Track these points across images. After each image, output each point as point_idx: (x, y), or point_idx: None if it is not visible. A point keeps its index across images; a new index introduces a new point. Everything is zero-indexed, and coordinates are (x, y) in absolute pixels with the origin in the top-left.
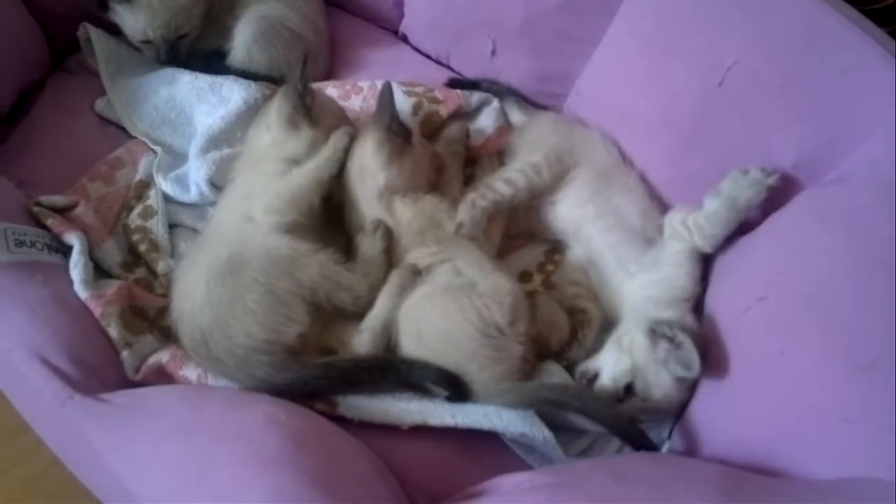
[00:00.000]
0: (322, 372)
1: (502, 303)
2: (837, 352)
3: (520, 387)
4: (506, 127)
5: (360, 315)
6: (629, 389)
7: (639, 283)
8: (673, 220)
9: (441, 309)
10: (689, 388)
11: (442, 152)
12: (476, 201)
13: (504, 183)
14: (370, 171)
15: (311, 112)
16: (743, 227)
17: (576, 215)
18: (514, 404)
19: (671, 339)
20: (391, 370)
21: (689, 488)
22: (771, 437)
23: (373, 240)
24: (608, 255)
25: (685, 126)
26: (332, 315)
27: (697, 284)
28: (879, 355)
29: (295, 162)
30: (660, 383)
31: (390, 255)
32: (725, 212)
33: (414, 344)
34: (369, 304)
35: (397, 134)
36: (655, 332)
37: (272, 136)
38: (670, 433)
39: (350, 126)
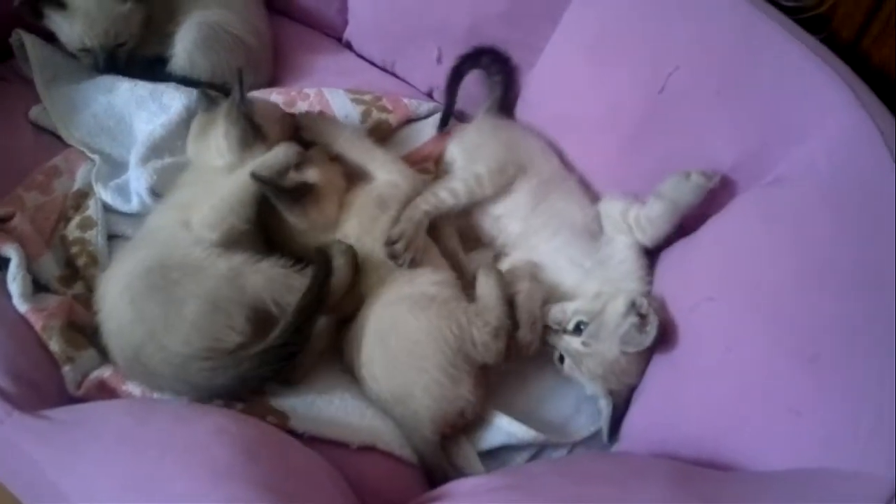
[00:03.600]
0: (258, 361)
1: (488, 323)
2: (782, 346)
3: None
4: (445, 134)
5: None
6: (578, 328)
7: (598, 282)
8: (611, 211)
9: (422, 319)
10: (620, 378)
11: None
12: (419, 204)
13: (447, 192)
14: None
15: (261, 129)
16: (686, 228)
17: (521, 229)
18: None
19: (642, 317)
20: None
21: (643, 483)
22: (720, 432)
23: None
24: (558, 258)
25: (627, 131)
26: None
27: (650, 273)
28: (822, 348)
29: None
30: (606, 345)
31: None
32: (668, 214)
33: (372, 339)
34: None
35: None
36: (635, 304)
37: (226, 161)
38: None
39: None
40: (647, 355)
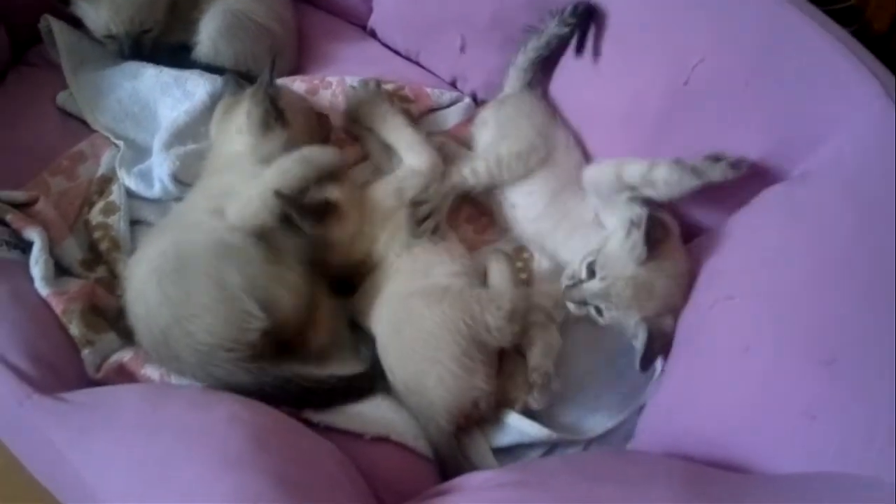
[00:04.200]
0: (280, 383)
1: (501, 307)
2: (800, 347)
3: None
4: (467, 123)
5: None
6: (591, 272)
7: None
8: (601, 178)
9: (436, 311)
10: (651, 292)
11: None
12: (451, 177)
13: (469, 171)
14: None
15: (283, 114)
16: (709, 224)
17: (535, 229)
18: None
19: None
20: (351, 392)
21: (654, 484)
22: (735, 433)
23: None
24: (575, 259)
25: (650, 124)
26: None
27: None
28: (841, 351)
29: (269, 162)
30: (620, 268)
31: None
32: (688, 181)
33: (387, 331)
34: (295, 326)
35: None
36: (633, 222)
37: (244, 140)
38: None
39: (320, 118)
40: (672, 265)
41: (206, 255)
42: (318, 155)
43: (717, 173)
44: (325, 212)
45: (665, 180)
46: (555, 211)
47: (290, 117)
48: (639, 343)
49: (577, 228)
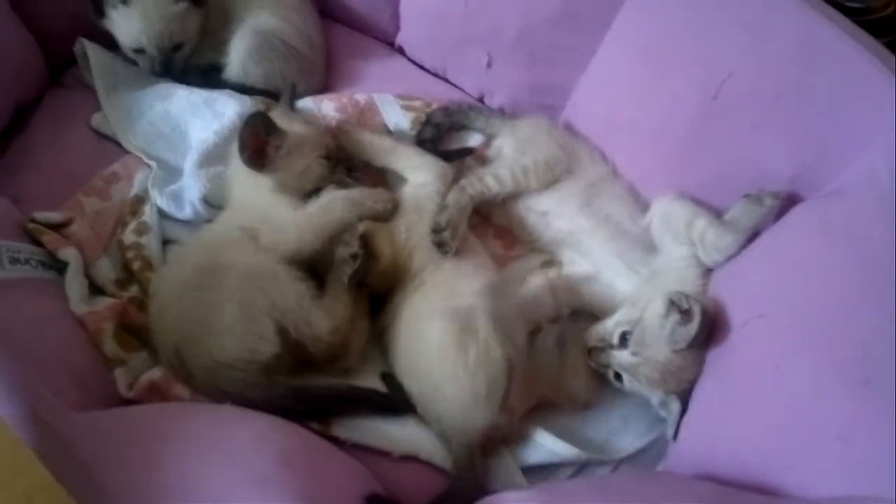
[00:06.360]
0: (293, 395)
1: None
2: (833, 367)
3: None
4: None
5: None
6: (624, 340)
7: (651, 289)
8: (673, 219)
9: (436, 340)
10: (679, 377)
11: None
12: (465, 188)
13: (492, 178)
14: None
15: (267, 152)
16: None
17: (571, 228)
18: None
19: (685, 312)
20: (363, 402)
21: None
22: (766, 455)
23: (341, 267)
24: (616, 262)
25: (680, 138)
26: None
27: (706, 281)
28: (875, 371)
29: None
30: (655, 349)
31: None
32: (739, 243)
33: (401, 351)
34: (329, 349)
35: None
36: (674, 302)
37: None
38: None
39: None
40: (702, 348)
41: (237, 275)
42: (366, 198)
43: (764, 215)
44: (372, 258)
45: (717, 246)
46: (591, 213)
47: (289, 150)
48: (671, 415)
49: (618, 235)
